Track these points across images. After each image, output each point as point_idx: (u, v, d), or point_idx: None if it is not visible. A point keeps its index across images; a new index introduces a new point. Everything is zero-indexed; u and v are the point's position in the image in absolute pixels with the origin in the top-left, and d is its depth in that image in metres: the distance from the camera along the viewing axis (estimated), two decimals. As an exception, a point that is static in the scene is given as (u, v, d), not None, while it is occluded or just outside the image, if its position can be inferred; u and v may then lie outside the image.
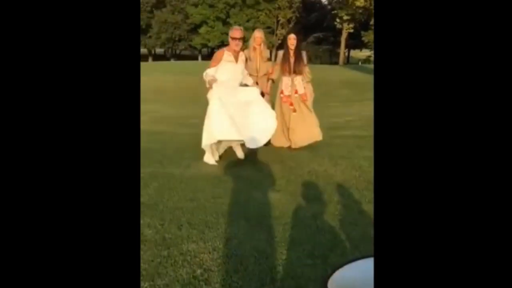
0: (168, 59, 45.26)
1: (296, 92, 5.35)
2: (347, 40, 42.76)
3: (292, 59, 5.31)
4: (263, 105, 4.76)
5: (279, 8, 42.58)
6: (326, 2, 46.95)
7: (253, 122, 4.56)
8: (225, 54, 4.62)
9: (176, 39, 43.89)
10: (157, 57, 45.86)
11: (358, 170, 4.47)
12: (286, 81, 5.37)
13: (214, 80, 4.46)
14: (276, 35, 42.38)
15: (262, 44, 5.38)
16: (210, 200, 3.52)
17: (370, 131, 6.46)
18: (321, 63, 39.62)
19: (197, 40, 42.41)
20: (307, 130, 5.40)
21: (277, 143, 5.42)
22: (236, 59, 4.69)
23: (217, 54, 4.75)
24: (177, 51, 49.05)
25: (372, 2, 37.44)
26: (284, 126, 5.39)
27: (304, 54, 5.44)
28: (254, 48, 5.36)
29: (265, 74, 5.42)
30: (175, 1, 42.62)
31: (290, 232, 2.99)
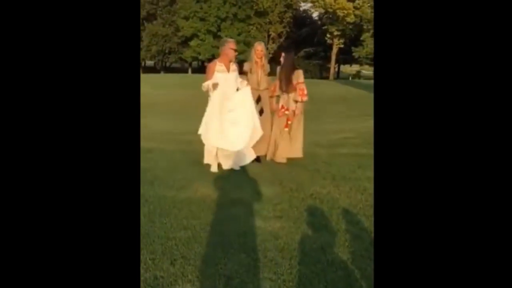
0: (158, 71, 44.92)
1: (287, 109, 5.39)
2: (337, 55, 43.07)
3: (282, 77, 5.35)
4: (249, 113, 4.94)
5: (270, 22, 42.77)
6: (316, 18, 47.37)
7: (239, 132, 4.86)
8: (217, 65, 4.86)
9: (167, 51, 43.64)
10: (147, 70, 45.47)
11: (363, 193, 4.17)
12: (284, 96, 5.40)
13: (216, 84, 4.72)
14: (267, 49, 42.42)
15: (263, 58, 5.32)
16: (206, 229, 3.17)
17: (370, 149, 6.19)
18: (312, 77, 39.67)
19: (187, 53, 42.20)
20: (290, 146, 5.45)
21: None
22: (228, 69, 4.89)
23: (210, 66, 4.93)
24: (168, 64, 48.77)
25: (362, 19, 37.92)
26: (272, 137, 5.44)
27: (300, 73, 5.37)
28: (256, 62, 5.31)
29: (265, 88, 5.37)
30: (166, 14, 42.50)
31: (298, 268, 2.66)
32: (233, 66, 4.94)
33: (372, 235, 3.19)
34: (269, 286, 2.45)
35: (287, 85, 5.27)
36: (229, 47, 4.90)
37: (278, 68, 5.45)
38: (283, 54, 5.42)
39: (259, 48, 5.34)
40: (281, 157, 5.40)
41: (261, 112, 5.36)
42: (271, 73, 5.67)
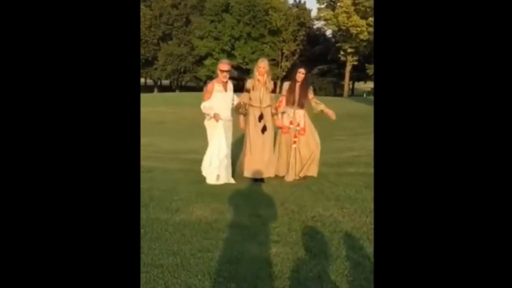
0: (173, 90, 45.52)
1: (297, 125, 5.31)
2: (351, 72, 42.94)
3: (297, 92, 5.27)
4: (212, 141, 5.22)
5: (284, 41, 43.09)
6: (330, 35, 47.52)
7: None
8: (216, 86, 5.07)
9: (182, 70, 44.31)
10: (163, 88, 46.15)
11: (368, 216, 3.94)
12: (289, 112, 5.33)
13: (219, 116, 4.98)
14: (281, 67, 42.68)
15: (266, 75, 5.26)
16: (197, 255, 2.99)
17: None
18: (326, 95, 39.59)
19: (202, 72, 42.73)
20: (303, 164, 5.39)
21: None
22: (225, 88, 5.12)
23: (209, 86, 5.16)
24: (183, 83, 49.40)
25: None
26: (280, 157, 5.38)
27: (310, 88, 5.43)
28: (258, 79, 5.25)
29: (268, 105, 5.30)
30: (181, 34, 43.28)
31: (290, 300, 2.46)
32: (230, 85, 5.18)
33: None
34: (256, 320, 2.26)
35: (304, 100, 5.27)
36: (219, 69, 5.09)
37: (287, 84, 5.40)
38: (302, 70, 5.32)
39: (261, 65, 5.28)
40: (295, 176, 5.37)
41: (263, 129, 5.27)
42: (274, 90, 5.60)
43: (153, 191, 4.65)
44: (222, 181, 5.10)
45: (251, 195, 4.64)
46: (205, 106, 5.05)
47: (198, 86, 48.09)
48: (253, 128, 5.27)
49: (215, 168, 5.06)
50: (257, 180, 5.28)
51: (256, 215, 3.95)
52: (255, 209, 4.13)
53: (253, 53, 40.59)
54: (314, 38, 47.68)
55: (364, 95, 41.56)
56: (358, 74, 45.52)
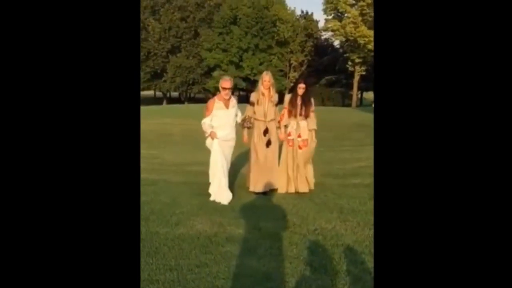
0: (182, 102, 45.84)
1: (299, 136, 5.27)
2: (359, 82, 42.80)
3: (299, 104, 5.24)
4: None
5: (292, 52, 43.24)
6: (338, 46, 47.55)
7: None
8: (216, 103, 4.90)
9: (191, 82, 44.62)
10: (172, 100, 46.49)
11: (371, 228, 3.86)
12: (292, 124, 5.29)
13: (215, 134, 4.84)
14: (289, 78, 42.76)
15: (271, 88, 5.20)
16: (194, 270, 2.95)
17: (385, 180, 5.87)
18: (334, 105, 39.49)
19: (210, 84, 42.93)
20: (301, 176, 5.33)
21: (281, 189, 5.30)
22: (227, 105, 4.93)
23: (209, 103, 4.98)
24: (192, 94, 49.77)
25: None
26: (289, 170, 5.26)
27: (312, 101, 5.38)
28: (263, 93, 5.20)
29: (272, 119, 5.23)
30: (190, 47, 43.72)
31: (286, 318, 2.40)
32: (233, 102, 5.00)
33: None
34: (251, 338, 2.20)
35: (307, 111, 5.22)
36: (220, 86, 4.93)
37: (288, 97, 5.35)
38: (302, 84, 5.29)
39: (266, 78, 5.20)
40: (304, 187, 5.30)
41: (268, 143, 5.21)
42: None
43: (155, 204, 4.63)
44: (216, 199, 4.88)
45: (253, 208, 4.59)
46: (204, 123, 4.93)
47: (207, 98, 48.27)
48: (258, 142, 5.22)
49: (223, 187, 4.92)
50: (260, 193, 5.20)
51: (257, 228, 3.90)
52: (256, 222, 4.08)
53: (261, 64, 40.75)
54: (322, 49, 47.76)
55: (372, 105, 41.36)
56: (366, 84, 45.36)
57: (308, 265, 3.11)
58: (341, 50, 45.63)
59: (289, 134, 5.28)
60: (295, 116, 5.22)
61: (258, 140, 5.21)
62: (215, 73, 42.05)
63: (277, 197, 5.06)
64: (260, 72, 41.06)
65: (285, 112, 5.28)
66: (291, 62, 43.74)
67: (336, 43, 46.76)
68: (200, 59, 43.08)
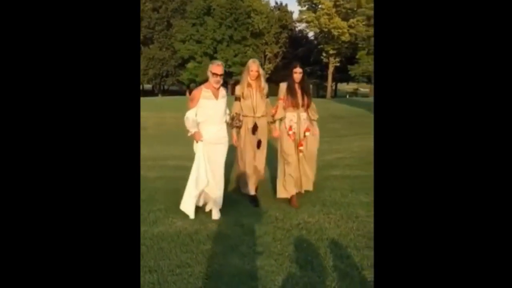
0: (156, 94, 44.99)
1: (307, 130, 4.39)
2: (333, 74, 43.19)
3: (298, 93, 4.35)
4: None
5: (266, 43, 43.11)
6: (312, 37, 47.72)
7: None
8: (203, 92, 3.92)
9: (164, 74, 43.83)
10: (145, 93, 45.54)
11: (355, 221, 3.82)
12: (291, 117, 4.39)
13: (199, 135, 3.91)
14: (264, 69, 42.63)
15: (259, 78, 4.35)
16: (175, 271, 2.81)
17: (364, 171, 5.85)
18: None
19: (184, 76, 42.33)
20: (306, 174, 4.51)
21: (281, 193, 4.45)
22: (216, 95, 3.95)
23: (195, 93, 3.99)
24: (165, 87, 48.93)
25: (357, 37, 38.18)
26: (290, 170, 4.37)
27: (310, 88, 4.66)
28: (249, 84, 4.35)
29: (263, 115, 4.42)
30: (163, 38, 42.85)
31: (274, 319, 2.30)
32: (223, 92, 4.02)
33: (363, 272, 2.83)
34: None
35: (308, 100, 4.39)
36: (210, 71, 3.94)
37: (284, 86, 4.39)
38: (298, 69, 4.34)
39: (253, 67, 4.30)
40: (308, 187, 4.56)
41: (258, 144, 4.43)
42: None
43: (131, 202, 4.43)
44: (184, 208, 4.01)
45: (234, 203, 4.45)
46: (187, 118, 3.92)
47: (181, 90, 47.69)
48: (247, 143, 4.41)
49: (192, 200, 3.93)
50: (253, 201, 4.47)
51: (239, 224, 3.78)
52: (238, 218, 3.95)
53: (235, 56, 40.41)
54: (297, 40, 47.82)
55: (347, 96, 41.87)
56: (341, 75, 45.82)
57: (294, 262, 3.02)
58: (315, 42, 45.85)
59: (290, 129, 4.35)
60: (296, 107, 4.35)
61: (246, 140, 4.40)
62: (189, 65, 41.45)
63: (258, 191, 4.92)
64: (235, 64, 40.82)
65: (279, 104, 4.39)
66: (266, 53, 43.62)
67: (311, 34, 46.96)
68: (174, 51, 42.32)
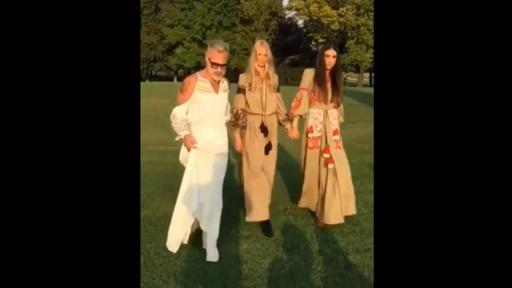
0: (143, 80, 44.43)
1: (336, 132, 3.42)
2: (323, 62, 43.09)
3: (328, 83, 3.41)
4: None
5: (256, 30, 42.72)
6: (301, 25, 47.47)
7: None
8: (200, 82, 2.82)
9: (152, 60, 43.24)
10: (132, 78, 44.87)
11: (341, 207, 3.84)
12: (315, 114, 3.45)
13: (191, 141, 2.77)
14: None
15: (267, 65, 3.28)
16: (162, 254, 2.82)
17: (351, 158, 5.89)
18: (298, 84, 39.62)
19: (172, 61, 41.82)
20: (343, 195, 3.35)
21: (302, 202, 3.61)
22: (216, 88, 2.88)
23: (188, 81, 2.84)
24: (153, 72, 48.32)
25: (346, 26, 38.13)
26: (314, 186, 3.49)
27: (343, 78, 3.53)
28: (257, 72, 3.31)
29: (273, 113, 3.42)
30: (151, 22, 42.15)
31: (260, 301, 2.32)
32: (224, 84, 2.95)
33: (348, 257, 2.87)
34: (225, 324, 2.11)
35: (339, 94, 3.44)
36: (209, 58, 2.80)
37: (310, 73, 3.49)
38: (332, 51, 3.37)
39: (262, 50, 3.23)
40: (337, 218, 3.32)
41: (267, 148, 3.37)
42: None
43: (117, 186, 4.40)
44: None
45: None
46: (175, 115, 2.81)
47: (169, 76, 47.16)
48: (253, 147, 3.34)
49: (180, 230, 2.89)
50: (266, 228, 3.32)
51: (226, 209, 3.78)
52: (225, 203, 3.95)
53: (224, 42, 40.00)
54: (286, 28, 47.54)
55: (335, 85, 41.91)
56: (329, 64, 45.77)
57: (281, 246, 3.05)
58: (304, 30, 45.64)
59: (311, 131, 3.44)
60: (323, 102, 3.40)
61: (251, 142, 3.35)
62: (177, 50, 40.93)
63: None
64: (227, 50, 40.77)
65: (302, 95, 3.47)
66: (255, 40, 43.28)
67: (300, 22, 46.68)
68: (162, 36, 41.69)
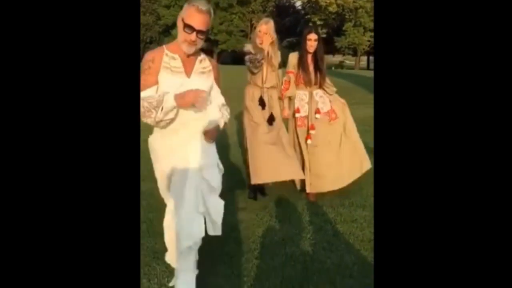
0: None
1: (317, 111, 3.69)
2: (320, 45, 42.91)
3: (311, 66, 3.67)
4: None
5: (253, 11, 42.38)
6: (299, 7, 47.10)
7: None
8: (166, 57, 2.00)
9: (148, 41, 42.91)
10: (128, 59, 44.62)
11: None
12: (301, 96, 3.74)
13: (195, 94, 1.93)
14: (250, 38, 42.12)
15: (272, 44, 3.56)
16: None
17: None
18: (295, 67, 39.53)
19: (169, 42, 41.52)
20: (339, 166, 3.65)
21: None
22: (189, 67, 2.05)
23: (151, 58, 1.99)
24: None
25: (344, 8, 37.85)
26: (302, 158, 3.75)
27: (324, 59, 3.81)
28: (259, 48, 3.56)
29: (273, 86, 3.67)
30: (147, 3, 41.67)
31: (254, 263, 2.54)
32: (203, 64, 2.11)
33: (336, 226, 3.10)
34: (223, 281, 2.33)
35: (322, 77, 3.68)
36: (182, 19, 1.96)
37: (294, 57, 3.72)
38: (313, 35, 3.60)
39: (263, 27, 3.50)
40: (326, 186, 3.61)
41: (270, 119, 3.60)
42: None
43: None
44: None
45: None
46: (143, 101, 1.92)
47: (165, 57, 46.74)
48: (255, 117, 3.60)
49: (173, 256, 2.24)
50: (260, 191, 3.74)
51: (223, 181, 3.99)
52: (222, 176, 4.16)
53: (221, 23, 39.76)
54: (284, 9, 47.17)
55: (332, 68, 41.88)
56: (327, 47, 45.53)
57: (273, 217, 3.26)
58: (302, 12, 45.29)
59: (297, 110, 3.71)
60: (307, 85, 3.69)
61: (254, 115, 3.60)
62: (174, 32, 40.58)
63: (239, 152, 5.13)
64: (221, 32, 39.83)
65: (290, 78, 3.71)
66: (253, 22, 42.94)
67: (298, 4, 46.30)
68: (158, 17, 41.30)
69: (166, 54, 2.01)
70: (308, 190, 3.64)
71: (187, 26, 1.95)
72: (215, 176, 2.25)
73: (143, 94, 1.94)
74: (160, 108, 1.91)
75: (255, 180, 3.47)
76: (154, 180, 2.34)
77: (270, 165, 3.46)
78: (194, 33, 1.95)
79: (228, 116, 2.27)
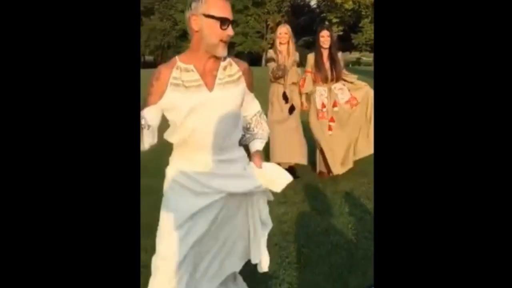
0: (157, 66, 44.86)
1: (335, 104, 4.17)
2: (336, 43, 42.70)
3: (327, 64, 4.15)
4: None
5: (268, 12, 42.53)
6: (314, 6, 47.00)
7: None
8: (175, 73, 1.58)
9: (165, 46, 43.56)
10: (147, 65, 45.35)
11: (365, 177, 4.18)
12: (321, 91, 4.21)
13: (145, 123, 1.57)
14: (266, 39, 42.30)
15: (289, 43, 4.19)
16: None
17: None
18: (312, 66, 39.45)
19: (186, 47, 42.04)
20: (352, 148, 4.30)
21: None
22: (210, 77, 1.61)
23: (157, 75, 1.59)
24: (167, 59, 48.66)
25: (360, 5, 37.60)
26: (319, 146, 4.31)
27: (340, 54, 4.29)
28: (280, 51, 4.20)
29: (294, 83, 4.25)
30: (164, 8, 42.33)
31: (302, 251, 2.70)
32: (231, 68, 1.65)
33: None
34: (274, 269, 2.49)
35: (338, 72, 4.15)
36: (202, 13, 1.51)
37: (311, 57, 4.24)
38: (325, 32, 4.15)
39: (282, 30, 4.21)
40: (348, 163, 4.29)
41: (291, 109, 4.24)
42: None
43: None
44: None
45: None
46: (143, 124, 1.52)
47: (183, 62, 47.28)
48: (277, 111, 4.25)
49: None
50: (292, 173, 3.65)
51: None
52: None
53: (237, 25, 39.98)
54: (299, 9, 47.13)
55: (350, 65, 41.65)
56: (343, 44, 45.34)
57: (313, 209, 3.41)
58: (317, 10, 45.19)
59: (323, 106, 4.19)
60: (325, 81, 4.17)
61: (276, 108, 4.27)
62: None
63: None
64: (237, 34, 40.01)
65: (306, 76, 4.22)
66: (268, 23, 43.12)
67: (313, 3, 46.22)
68: (175, 22, 41.89)
69: (177, 68, 1.58)
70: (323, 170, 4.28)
71: (219, 20, 1.50)
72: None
73: (145, 111, 1.57)
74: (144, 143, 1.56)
75: (273, 160, 3.93)
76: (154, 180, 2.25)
77: (284, 148, 4.14)
78: (230, 26, 1.53)
79: (268, 129, 1.89)
